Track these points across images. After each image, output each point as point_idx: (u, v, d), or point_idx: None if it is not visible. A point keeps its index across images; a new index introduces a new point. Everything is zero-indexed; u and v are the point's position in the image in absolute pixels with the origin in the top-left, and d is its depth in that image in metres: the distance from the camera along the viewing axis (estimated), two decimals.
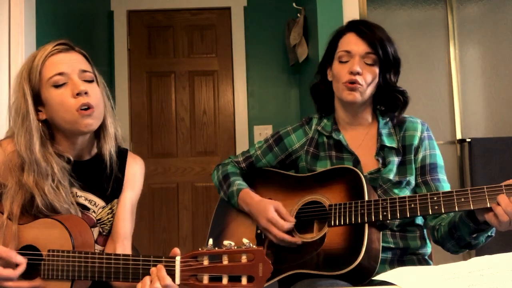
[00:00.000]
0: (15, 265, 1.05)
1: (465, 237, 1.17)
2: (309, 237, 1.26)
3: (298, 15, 2.84)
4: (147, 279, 1.00)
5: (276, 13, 3.27)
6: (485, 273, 0.83)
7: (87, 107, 1.14)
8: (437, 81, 2.70)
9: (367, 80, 1.32)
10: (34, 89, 1.16)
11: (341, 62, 1.34)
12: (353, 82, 1.30)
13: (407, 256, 1.30)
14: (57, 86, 1.14)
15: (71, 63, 1.16)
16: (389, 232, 1.28)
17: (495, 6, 2.73)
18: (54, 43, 1.19)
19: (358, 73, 1.30)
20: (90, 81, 1.18)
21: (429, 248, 1.35)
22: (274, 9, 3.30)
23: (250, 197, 1.37)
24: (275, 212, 1.29)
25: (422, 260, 1.31)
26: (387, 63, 1.33)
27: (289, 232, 1.28)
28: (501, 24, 2.73)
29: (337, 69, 1.35)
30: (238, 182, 1.42)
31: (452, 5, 2.70)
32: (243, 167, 1.52)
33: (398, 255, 1.28)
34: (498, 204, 1.04)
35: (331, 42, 1.41)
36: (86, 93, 1.14)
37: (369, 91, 1.34)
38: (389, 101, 1.38)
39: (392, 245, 1.27)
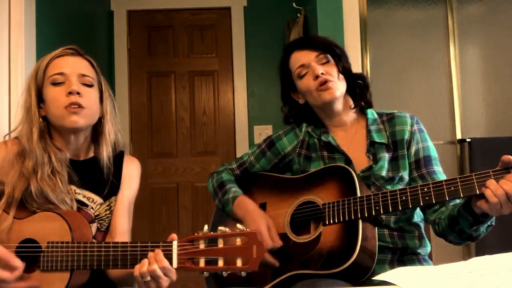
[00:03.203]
0: (13, 268, 1.06)
1: (466, 229, 1.17)
2: (305, 238, 1.26)
3: (298, 15, 2.84)
4: (145, 261, 1.03)
5: (276, 13, 3.28)
6: (485, 273, 0.83)
7: (77, 106, 1.20)
8: (437, 81, 2.70)
9: (334, 74, 1.36)
10: (38, 86, 1.24)
11: (302, 77, 1.40)
12: (324, 83, 1.34)
13: (407, 256, 1.30)
14: (55, 84, 1.22)
15: (73, 65, 1.24)
16: (387, 232, 1.28)
17: (495, 6, 2.73)
18: (64, 47, 1.27)
19: (322, 74, 1.34)
20: (89, 85, 1.24)
21: (428, 247, 1.35)
22: (274, 9, 3.30)
23: (245, 204, 1.37)
24: (267, 230, 1.28)
25: (422, 260, 1.31)
26: (336, 55, 1.39)
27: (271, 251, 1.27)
28: (501, 24, 2.73)
29: (304, 85, 1.39)
30: (234, 190, 1.43)
31: (452, 5, 2.70)
32: (238, 174, 1.52)
33: (397, 255, 1.28)
34: (487, 188, 1.05)
35: (282, 72, 1.47)
36: (78, 93, 1.20)
37: (342, 83, 1.38)
38: (353, 89, 1.42)
39: (390, 245, 1.27)
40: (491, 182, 1.05)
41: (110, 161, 1.30)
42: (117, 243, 1.09)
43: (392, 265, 1.26)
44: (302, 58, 1.39)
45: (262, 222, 1.30)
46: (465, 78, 2.70)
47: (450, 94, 2.69)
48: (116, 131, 1.33)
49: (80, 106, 1.20)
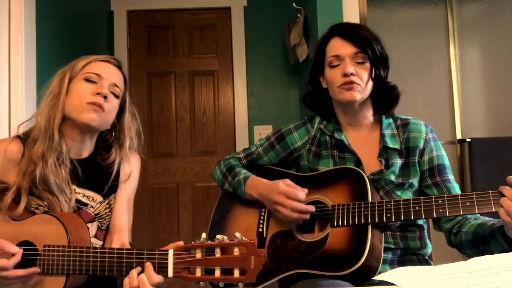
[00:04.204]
0: (10, 256, 1.07)
1: (495, 253, 1.13)
2: (311, 237, 1.25)
3: (298, 15, 2.84)
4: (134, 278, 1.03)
5: (276, 13, 3.27)
6: (485, 273, 0.83)
7: (99, 106, 1.24)
8: (437, 81, 2.71)
9: (364, 78, 1.32)
10: (71, 78, 1.28)
11: (332, 67, 1.35)
12: (349, 83, 1.31)
13: (407, 256, 1.30)
14: (87, 80, 1.26)
15: (110, 73, 1.30)
16: (389, 232, 1.28)
17: (495, 6, 2.73)
18: (109, 56, 1.34)
19: (352, 74, 1.30)
20: (115, 96, 1.30)
21: (429, 248, 1.35)
22: (274, 9, 3.30)
23: (259, 180, 1.35)
24: (286, 186, 1.27)
25: (422, 260, 1.31)
26: (376, 59, 1.33)
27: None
28: (501, 24, 2.73)
29: (330, 75, 1.36)
30: (244, 171, 1.42)
31: (452, 5, 2.70)
32: (244, 163, 1.51)
33: (398, 255, 1.28)
34: (501, 206, 1.04)
35: (318, 50, 1.42)
36: (105, 97, 1.25)
37: (368, 88, 1.34)
38: (381, 97, 1.39)
39: (392, 246, 1.27)
40: (504, 200, 1.03)
41: (120, 167, 1.34)
42: (113, 249, 1.09)
43: (392, 265, 1.26)
44: (340, 48, 1.34)
45: (279, 184, 1.27)
46: (465, 78, 2.70)
47: (450, 94, 2.69)
48: (131, 145, 1.38)
49: (101, 108, 1.24)
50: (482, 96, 2.72)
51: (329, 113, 1.44)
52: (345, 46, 1.33)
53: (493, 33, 2.73)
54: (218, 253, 0.97)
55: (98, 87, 1.25)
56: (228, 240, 0.97)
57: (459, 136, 2.66)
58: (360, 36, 1.33)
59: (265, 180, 1.34)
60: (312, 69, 1.46)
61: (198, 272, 0.98)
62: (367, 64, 1.33)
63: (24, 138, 1.26)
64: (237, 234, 0.97)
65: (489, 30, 2.73)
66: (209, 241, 0.99)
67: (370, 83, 1.34)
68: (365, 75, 1.32)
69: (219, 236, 0.98)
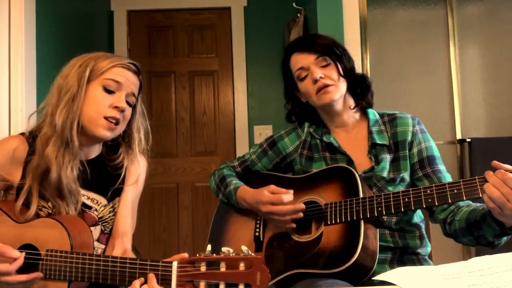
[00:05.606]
0: (12, 260, 1.06)
1: (488, 237, 1.16)
2: (307, 237, 1.26)
3: (298, 15, 2.84)
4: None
5: (276, 13, 3.28)
6: (485, 273, 0.83)
7: (115, 122, 1.22)
8: (437, 81, 2.71)
9: (333, 77, 1.36)
10: (90, 79, 1.24)
11: (302, 80, 1.40)
12: (322, 87, 1.34)
13: (407, 256, 1.30)
14: (106, 89, 1.23)
15: (129, 82, 1.27)
16: (388, 232, 1.28)
17: (495, 6, 2.73)
18: (130, 60, 1.31)
19: (321, 77, 1.34)
20: (130, 105, 1.28)
21: (428, 247, 1.35)
22: (274, 9, 3.30)
23: (246, 192, 1.38)
24: (270, 194, 1.29)
25: (422, 260, 1.31)
26: (337, 56, 1.38)
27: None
28: (501, 24, 2.73)
29: (303, 87, 1.40)
30: (235, 182, 1.44)
31: (452, 5, 2.71)
32: (239, 171, 1.54)
33: (398, 255, 1.28)
34: (485, 192, 1.05)
35: (284, 71, 1.47)
36: (122, 111, 1.23)
37: (341, 85, 1.37)
38: (356, 90, 1.42)
39: (391, 245, 1.27)
40: (487, 186, 1.04)
41: (127, 168, 1.32)
42: (116, 258, 1.07)
43: (392, 265, 1.26)
44: (301, 60, 1.39)
45: (263, 193, 1.30)
46: (465, 78, 2.70)
47: (450, 94, 2.69)
48: (139, 147, 1.36)
49: (117, 123, 1.23)
50: (482, 96, 2.72)
51: (316, 120, 1.48)
52: (305, 56, 1.39)
53: (493, 33, 2.73)
54: (223, 267, 0.94)
55: (116, 100, 1.22)
56: (234, 254, 0.94)
57: (459, 136, 2.66)
58: (315, 43, 1.39)
59: (251, 191, 1.36)
60: (285, 90, 1.51)
61: (202, 286, 0.95)
62: (332, 64, 1.37)
63: (31, 137, 1.24)
64: (243, 248, 0.95)
65: (489, 30, 2.73)
66: (214, 254, 0.96)
67: (342, 80, 1.38)
68: (334, 74, 1.36)
69: (224, 249, 0.95)
